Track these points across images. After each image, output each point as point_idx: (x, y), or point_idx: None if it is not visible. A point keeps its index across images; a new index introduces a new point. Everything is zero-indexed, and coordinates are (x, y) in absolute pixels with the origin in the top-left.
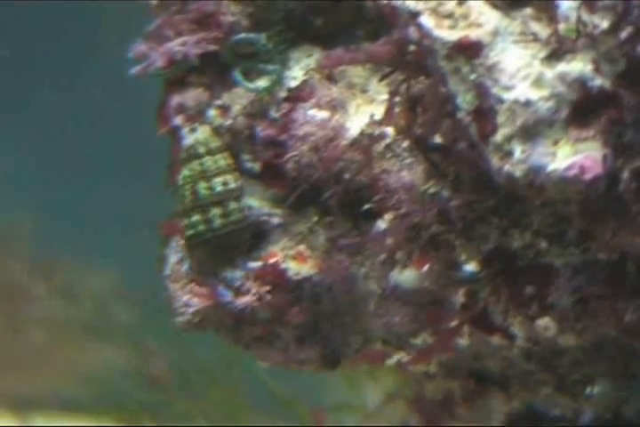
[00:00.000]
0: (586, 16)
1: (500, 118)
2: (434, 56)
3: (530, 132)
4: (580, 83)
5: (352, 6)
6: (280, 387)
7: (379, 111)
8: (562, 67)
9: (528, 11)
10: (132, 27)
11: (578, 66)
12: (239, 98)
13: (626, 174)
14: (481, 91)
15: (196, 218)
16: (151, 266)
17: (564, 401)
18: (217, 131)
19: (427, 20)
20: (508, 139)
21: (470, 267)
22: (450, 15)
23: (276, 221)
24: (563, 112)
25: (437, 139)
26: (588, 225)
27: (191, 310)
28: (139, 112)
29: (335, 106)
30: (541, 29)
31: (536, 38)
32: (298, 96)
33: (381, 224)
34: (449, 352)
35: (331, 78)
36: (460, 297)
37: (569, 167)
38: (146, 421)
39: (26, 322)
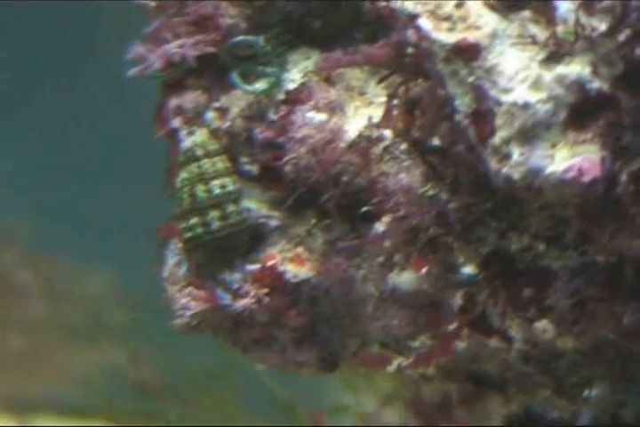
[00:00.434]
0: (584, 18)
1: (499, 121)
2: (432, 58)
3: (528, 135)
4: (579, 85)
5: (350, 8)
6: (278, 390)
7: (377, 114)
8: (560, 69)
9: (526, 13)
10: (130, 28)
11: (576, 68)
12: (237, 100)
13: (624, 177)
14: (479, 93)
15: (194, 221)
16: (149, 268)
17: (561, 404)
18: (215, 133)
19: (425, 23)
20: (507, 141)
21: (468, 269)
22: (448, 18)
23: (274, 223)
24: (561, 115)
25: (435, 141)
26: (586, 228)
27: (189, 312)
28: (137, 114)
29: (333, 108)
30: (540, 32)
31: (534, 41)
32: (296, 98)
33: (379, 227)
34: (449, 356)
35: (329, 81)
36: (458, 300)
37: (567, 170)
38: (140, 423)
39: (22, 323)
